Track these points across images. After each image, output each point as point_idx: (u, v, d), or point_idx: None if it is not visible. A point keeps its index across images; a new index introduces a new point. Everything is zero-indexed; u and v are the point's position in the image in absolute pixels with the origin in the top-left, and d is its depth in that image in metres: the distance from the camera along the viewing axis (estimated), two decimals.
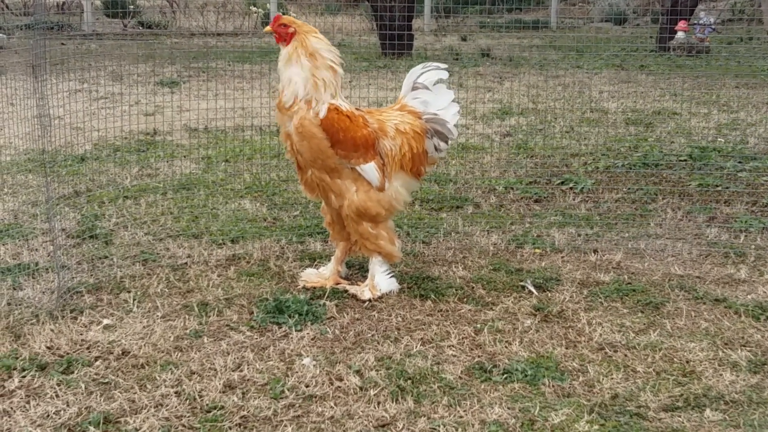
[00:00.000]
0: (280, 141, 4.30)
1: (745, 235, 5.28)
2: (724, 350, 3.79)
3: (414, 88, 4.42)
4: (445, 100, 4.42)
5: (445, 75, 4.45)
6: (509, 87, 10.53)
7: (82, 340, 3.81)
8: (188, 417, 3.22)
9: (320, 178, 4.19)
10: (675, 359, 3.71)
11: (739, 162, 6.80)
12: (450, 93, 4.44)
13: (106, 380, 3.47)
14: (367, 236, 4.25)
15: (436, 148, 4.40)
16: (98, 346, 3.75)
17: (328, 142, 4.08)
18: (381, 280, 4.31)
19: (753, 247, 5.08)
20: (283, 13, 17.53)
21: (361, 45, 14.74)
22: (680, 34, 13.78)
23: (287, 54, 4.13)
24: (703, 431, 3.17)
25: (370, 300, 4.26)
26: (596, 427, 3.17)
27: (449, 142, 4.44)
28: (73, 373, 3.52)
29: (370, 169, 4.17)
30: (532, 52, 13.89)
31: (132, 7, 17.14)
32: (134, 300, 4.22)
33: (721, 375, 3.57)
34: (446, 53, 13.59)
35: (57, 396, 3.34)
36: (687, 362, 3.68)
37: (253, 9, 17.18)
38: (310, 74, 4.08)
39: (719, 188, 6.16)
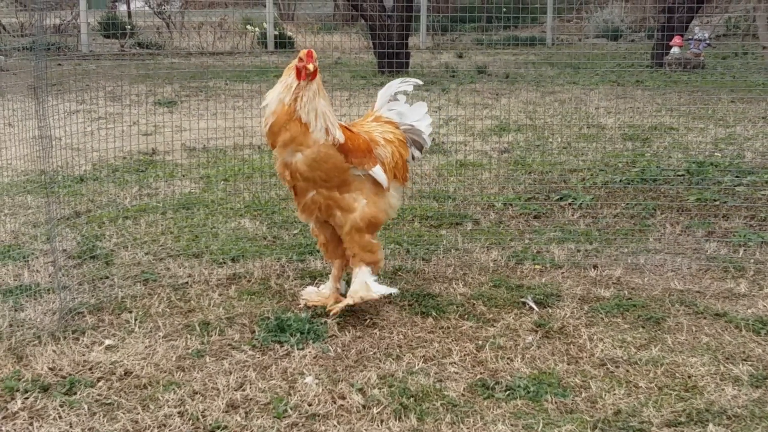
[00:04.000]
0: (277, 172, 4.25)
1: (744, 249, 5.30)
2: (726, 365, 3.80)
3: (389, 101, 4.62)
4: (420, 111, 4.64)
5: (410, 88, 4.66)
6: (506, 103, 10.57)
7: (85, 360, 3.81)
8: None
9: (329, 196, 4.18)
10: (677, 374, 3.72)
11: (737, 176, 6.83)
12: (424, 105, 4.68)
13: (109, 401, 3.47)
14: (368, 248, 4.26)
15: (413, 157, 4.62)
16: (100, 367, 3.75)
17: (342, 156, 4.12)
18: (376, 286, 4.30)
19: (752, 261, 5.10)
20: (280, 32, 17.57)
21: (358, 63, 14.81)
22: (675, 50, 13.86)
23: (316, 88, 4.04)
24: None
25: (351, 306, 4.27)
26: None
27: (423, 151, 4.70)
28: (75, 394, 3.52)
29: (379, 171, 4.26)
30: (528, 68, 13.97)
31: (129, 27, 17.19)
32: (136, 320, 4.23)
33: (723, 390, 3.58)
34: (442, 70, 13.65)
35: (60, 417, 3.34)
36: (689, 377, 3.69)
37: (249, 28, 17.25)
38: (329, 104, 4.13)
39: (717, 203, 6.18)
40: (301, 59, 4.01)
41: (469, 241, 5.47)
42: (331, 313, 4.25)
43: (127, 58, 15.42)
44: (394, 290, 4.37)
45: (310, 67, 4.00)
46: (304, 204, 4.26)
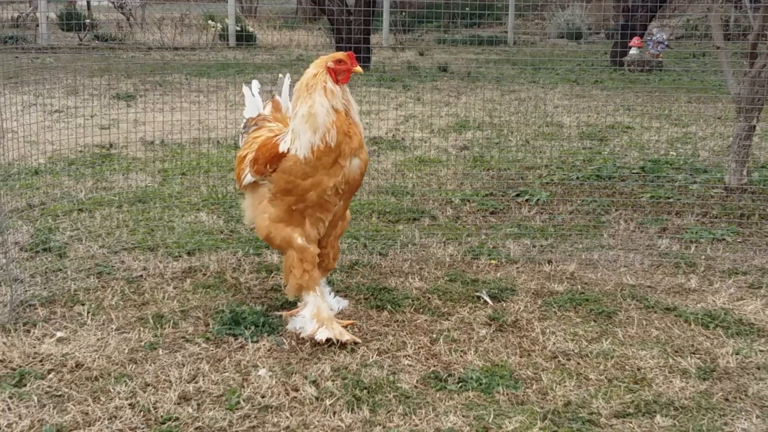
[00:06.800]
0: (328, 195, 3.89)
1: (696, 246, 5.38)
2: (675, 357, 3.86)
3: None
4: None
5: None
6: (466, 101, 10.62)
7: (35, 353, 3.77)
8: (142, 429, 3.20)
9: (346, 204, 4.08)
10: (626, 367, 3.77)
11: (691, 174, 6.93)
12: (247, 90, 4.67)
13: (59, 393, 3.44)
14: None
15: None
16: (51, 359, 3.71)
17: None
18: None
19: (703, 257, 5.19)
20: (242, 28, 17.48)
21: None
22: (634, 50, 14.03)
23: (346, 90, 3.90)
24: None
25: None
26: None
27: None
28: (25, 386, 3.48)
29: None
30: (489, 67, 14.04)
31: (88, 20, 17.00)
32: (88, 313, 4.19)
33: (671, 382, 3.64)
34: (404, 68, 13.68)
35: (9, 409, 3.30)
36: (638, 369, 3.75)
37: (211, 23, 17.14)
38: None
39: (671, 200, 6.27)
40: (342, 61, 3.83)
41: (426, 237, 5.50)
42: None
43: (85, 51, 15.24)
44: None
45: (359, 69, 3.88)
46: (330, 221, 4.03)
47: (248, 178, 4.10)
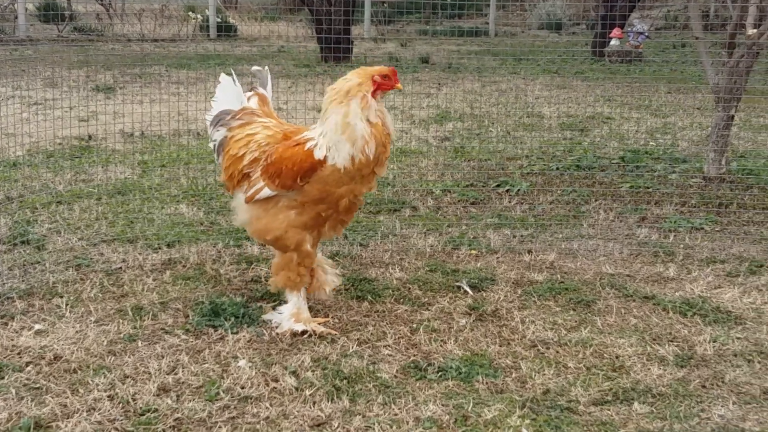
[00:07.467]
0: (359, 200, 3.97)
1: (674, 235, 5.42)
2: (652, 345, 3.89)
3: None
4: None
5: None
6: (448, 92, 10.63)
7: (13, 345, 3.75)
8: (121, 420, 3.19)
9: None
10: (605, 355, 3.80)
11: (670, 164, 6.97)
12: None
13: (38, 385, 3.42)
14: None
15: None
16: (30, 352, 3.69)
17: None
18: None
19: (681, 246, 5.22)
20: (222, 19, 17.40)
21: (301, 51, 14.75)
22: (614, 41, 14.08)
23: (381, 101, 3.85)
24: (631, 424, 3.25)
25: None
26: (528, 421, 3.23)
27: None
28: (3, 378, 3.46)
29: None
30: (470, 58, 14.06)
31: (67, 12, 16.87)
32: (67, 305, 4.17)
33: (649, 369, 3.66)
34: (386, 59, 13.66)
35: None
36: (616, 357, 3.77)
37: (191, 15, 17.06)
38: None
39: (650, 190, 6.30)
40: (388, 77, 3.78)
41: (407, 227, 5.50)
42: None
43: (64, 43, 15.13)
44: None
45: (400, 86, 3.87)
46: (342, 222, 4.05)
47: (265, 192, 3.87)
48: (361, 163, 3.72)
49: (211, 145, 4.28)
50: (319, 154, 3.73)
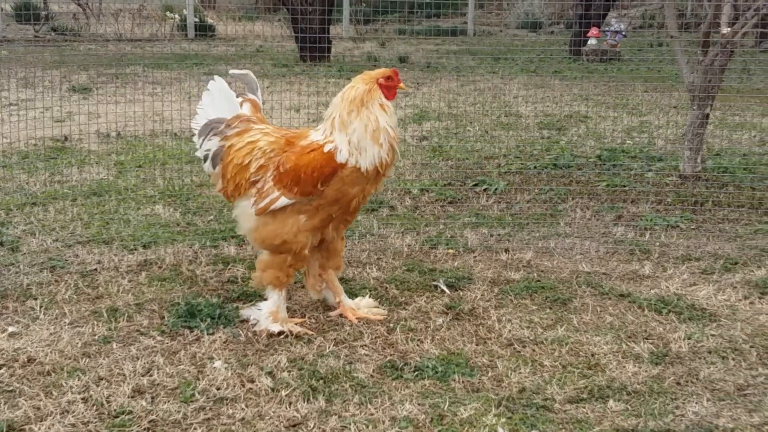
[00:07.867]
0: (365, 200, 4.03)
1: (650, 233, 5.45)
2: (628, 343, 3.90)
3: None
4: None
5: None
6: (426, 92, 10.64)
7: None
8: (95, 423, 3.17)
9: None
10: (581, 353, 3.81)
11: (646, 163, 7.01)
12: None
13: (11, 388, 3.39)
14: None
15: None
16: (2, 354, 3.66)
17: None
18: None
19: (657, 244, 5.25)
20: (200, 19, 17.32)
21: (280, 51, 14.71)
22: (592, 41, 14.14)
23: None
24: (606, 421, 3.26)
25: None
26: (503, 420, 3.23)
27: None
28: None
29: None
30: (449, 57, 14.08)
31: (44, 12, 16.74)
32: (41, 307, 4.13)
33: (624, 367, 3.68)
34: (365, 59, 13.65)
35: None
36: (592, 355, 3.78)
37: (169, 14, 16.97)
38: None
39: (626, 188, 6.33)
40: (391, 78, 3.90)
41: (384, 227, 5.50)
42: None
43: (41, 43, 15.01)
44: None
45: (404, 86, 3.98)
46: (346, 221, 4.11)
47: (282, 201, 3.83)
48: (383, 166, 3.82)
49: (200, 154, 4.12)
50: (341, 158, 3.78)
